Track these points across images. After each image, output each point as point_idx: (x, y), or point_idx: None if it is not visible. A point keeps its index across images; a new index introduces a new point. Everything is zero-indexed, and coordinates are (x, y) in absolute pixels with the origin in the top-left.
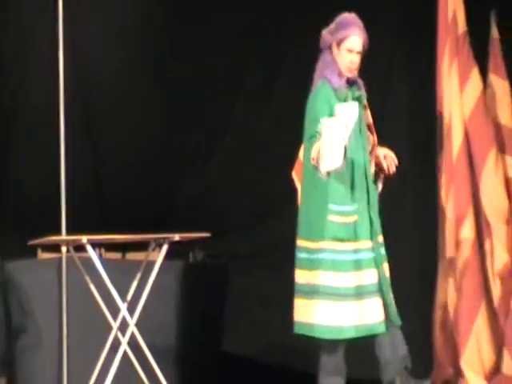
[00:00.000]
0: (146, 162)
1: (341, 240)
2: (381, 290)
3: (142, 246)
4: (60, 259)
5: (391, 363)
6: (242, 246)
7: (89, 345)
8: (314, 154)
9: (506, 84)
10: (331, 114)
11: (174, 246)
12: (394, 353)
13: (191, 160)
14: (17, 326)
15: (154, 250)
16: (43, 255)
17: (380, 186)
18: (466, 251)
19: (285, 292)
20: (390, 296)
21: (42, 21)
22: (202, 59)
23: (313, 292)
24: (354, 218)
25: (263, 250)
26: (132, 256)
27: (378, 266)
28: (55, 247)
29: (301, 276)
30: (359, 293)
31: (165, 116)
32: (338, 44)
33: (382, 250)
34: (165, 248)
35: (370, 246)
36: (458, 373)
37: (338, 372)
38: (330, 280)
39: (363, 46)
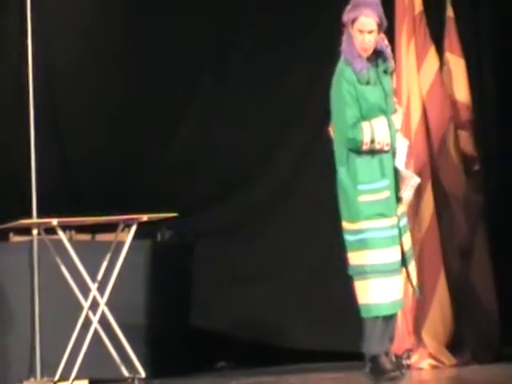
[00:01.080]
0: (111, 146)
1: (376, 217)
2: (405, 261)
3: (110, 228)
4: (31, 242)
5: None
6: (207, 224)
7: (61, 324)
8: (367, 138)
9: (462, 61)
10: (356, 97)
11: (142, 226)
12: (388, 333)
13: (154, 142)
14: None
15: (122, 230)
16: (15, 238)
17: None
18: (426, 223)
19: (251, 267)
20: (413, 265)
21: (11, 13)
22: (163, 47)
23: (365, 272)
24: (387, 193)
25: (227, 226)
26: (101, 237)
27: (406, 235)
28: (27, 230)
29: (353, 258)
30: (399, 265)
31: (127, 102)
32: (352, 24)
33: (404, 220)
34: (133, 228)
35: (396, 219)
36: (420, 341)
37: (383, 339)
38: (377, 258)
39: (377, 25)
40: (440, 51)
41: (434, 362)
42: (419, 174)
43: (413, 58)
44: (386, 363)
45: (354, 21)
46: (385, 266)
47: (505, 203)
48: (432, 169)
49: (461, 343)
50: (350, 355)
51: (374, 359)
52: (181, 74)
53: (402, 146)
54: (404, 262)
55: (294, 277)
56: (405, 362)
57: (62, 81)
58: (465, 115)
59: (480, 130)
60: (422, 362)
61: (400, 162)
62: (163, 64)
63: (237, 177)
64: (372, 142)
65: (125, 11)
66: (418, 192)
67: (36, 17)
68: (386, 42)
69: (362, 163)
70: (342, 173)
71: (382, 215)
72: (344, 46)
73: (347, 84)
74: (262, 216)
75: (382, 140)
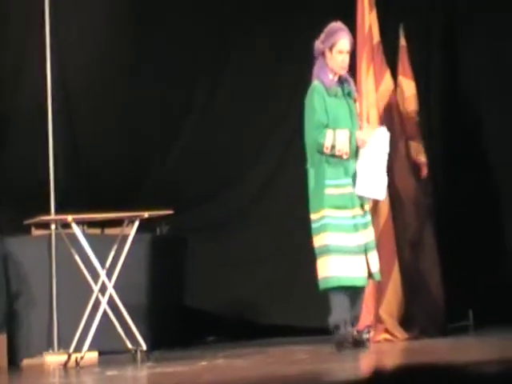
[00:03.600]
0: (119, 152)
1: (338, 208)
2: (366, 250)
3: (117, 223)
4: (50, 235)
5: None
6: (198, 220)
7: (75, 305)
8: (328, 143)
9: (412, 83)
10: (325, 107)
11: (143, 221)
12: (353, 310)
13: (156, 149)
14: (14, 291)
15: (127, 225)
16: (36, 232)
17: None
18: (382, 219)
19: (236, 256)
20: (374, 255)
21: (30, 32)
22: (165, 55)
23: (327, 250)
24: (349, 189)
25: (216, 222)
26: (109, 231)
27: (368, 227)
28: (46, 225)
29: (316, 241)
30: (363, 249)
31: (134, 111)
32: (331, 48)
33: (368, 217)
34: (136, 224)
35: (361, 213)
36: (377, 319)
37: (346, 311)
38: (337, 240)
39: (350, 47)
40: (394, 75)
41: (389, 337)
42: None
43: (371, 80)
44: (347, 332)
45: (334, 44)
46: (346, 247)
47: (449, 204)
48: (388, 174)
49: (411, 320)
50: (322, 330)
51: (336, 329)
52: (179, 89)
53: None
54: (365, 250)
55: (274, 264)
56: (365, 337)
57: (77, 92)
58: (414, 128)
59: (428, 140)
60: (379, 336)
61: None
62: (166, 77)
63: (224, 179)
64: (333, 147)
65: (132, 31)
66: None
67: (54, 37)
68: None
69: (329, 164)
70: (311, 172)
71: (344, 207)
72: (316, 70)
73: (318, 95)
74: (245, 213)
75: (342, 148)
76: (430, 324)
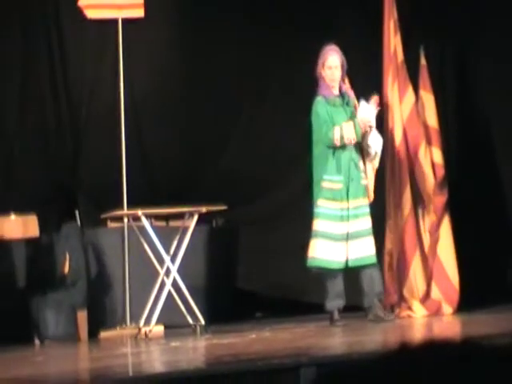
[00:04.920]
0: (182, 155)
1: (329, 199)
2: (362, 235)
3: (179, 216)
4: (123, 227)
5: (368, 295)
6: (249, 214)
7: (144, 286)
8: (337, 136)
9: (432, 97)
10: (328, 115)
11: (201, 215)
12: (371, 288)
13: (212, 154)
14: (94, 275)
15: (188, 218)
16: (111, 224)
17: (375, 162)
18: (406, 213)
19: (280, 246)
20: (369, 240)
21: (105, 52)
22: (217, 73)
23: (315, 235)
24: (340, 185)
25: (263, 216)
26: (173, 223)
27: (356, 219)
28: (119, 218)
29: (313, 225)
30: (345, 237)
31: (192, 121)
32: (322, 66)
33: (363, 209)
34: (195, 217)
35: (347, 207)
36: (401, 298)
37: (339, 296)
38: (324, 226)
39: (341, 64)
40: (416, 89)
41: (411, 313)
42: (400, 178)
43: (396, 94)
44: (338, 319)
45: (323, 63)
46: (331, 234)
47: (463, 201)
48: (410, 174)
49: (430, 299)
50: (354, 307)
51: (331, 314)
52: (232, 100)
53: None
54: (347, 239)
55: None
56: (389, 313)
57: (144, 104)
58: (434, 135)
59: (445, 146)
60: (403, 312)
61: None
62: (219, 91)
63: (271, 179)
64: (341, 138)
65: (190, 55)
66: (400, 190)
67: (125, 58)
68: (348, 85)
69: (326, 162)
70: (313, 165)
71: (333, 199)
72: (319, 88)
73: (320, 104)
74: (289, 209)
75: (349, 136)
76: (446, 302)
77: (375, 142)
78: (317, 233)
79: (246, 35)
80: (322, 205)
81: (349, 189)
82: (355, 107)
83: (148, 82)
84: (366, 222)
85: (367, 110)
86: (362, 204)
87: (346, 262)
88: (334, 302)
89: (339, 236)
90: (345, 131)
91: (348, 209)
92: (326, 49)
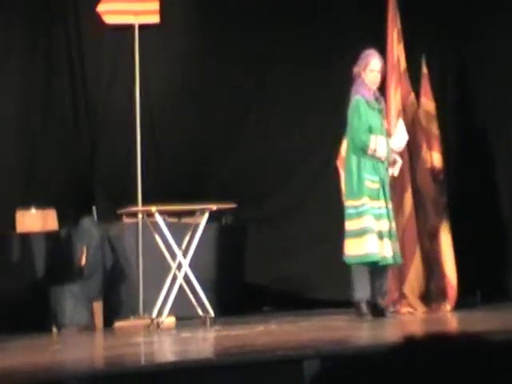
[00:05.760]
0: (194, 155)
1: (372, 197)
2: (389, 235)
3: (191, 213)
4: (137, 222)
5: (377, 292)
6: (256, 213)
7: (156, 279)
8: (372, 146)
9: (433, 103)
10: (368, 117)
11: (212, 213)
12: (380, 287)
13: (224, 154)
14: (109, 267)
15: (199, 215)
16: (126, 220)
17: (395, 170)
18: (407, 214)
19: (287, 242)
20: (395, 240)
21: (122, 55)
22: (228, 76)
23: (364, 232)
24: (377, 185)
25: (271, 214)
26: (185, 220)
27: (389, 219)
28: (134, 214)
29: (351, 225)
30: (381, 235)
31: (206, 118)
32: (364, 69)
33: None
34: (206, 215)
35: (385, 205)
36: (401, 295)
37: (367, 288)
38: (370, 222)
39: (381, 68)
40: (417, 96)
41: (411, 310)
42: (402, 180)
43: (399, 100)
44: (365, 308)
45: (366, 65)
46: (376, 231)
47: (461, 201)
48: (411, 177)
49: (429, 297)
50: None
51: (359, 303)
52: (240, 104)
53: (402, 135)
54: (389, 235)
55: (318, 249)
56: (390, 309)
57: (158, 106)
58: (434, 141)
59: (444, 149)
60: (403, 309)
61: (396, 145)
62: (229, 95)
63: (278, 178)
64: (374, 150)
65: (203, 59)
66: (401, 192)
67: (141, 62)
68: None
69: (367, 161)
70: (353, 158)
71: (375, 197)
72: (356, 87)
73: (362, 106)
74: (296, 207)
75: (381, 152)
76: (445, 300)
77: (398, 149)
78: (366, 229)
79: (256, 42)
80: (366, 202)
81: (384, 189)
82: (384, 118)
83: (162, 84)
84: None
85: (403, 138)
86: (385, 205)
87: (386, 257)
88: (364, 293)
89: (382, 233)
90: (378, 146)
91: (386, 207)
92: (369, 52)
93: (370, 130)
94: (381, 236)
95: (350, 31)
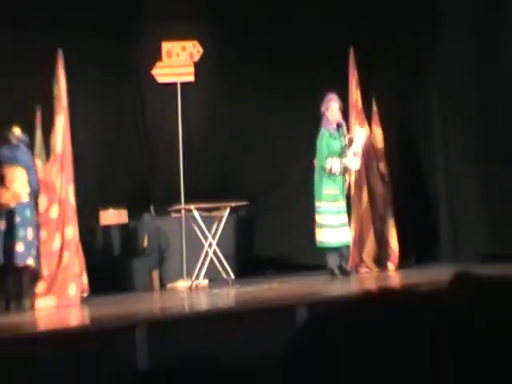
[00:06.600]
0: (217, 170)
1: (329, 201)
2: (345, 225)
3: (217, 209)
4: (181, 216)
5: (342, 260)
6: (261, 207)
7: (195, 255)
8: (328, 166)
9: (380, 129)
10: (328, 145)
11: (231, 208)
12: (345, 256)
13: (239, 165)
14: (162, 249)
15: (222, 210)
16: (173, 214)
17: (356, 164)
18: (364, 206)
19: (284, 228)
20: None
21: (169, 108)
22: (243, 115)
23: (320, 226)
24: (336, 191)
25: (273, 206)
26: (214, 214)
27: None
28: (178, 210)
29: (317, 218)
30: (342, 225)
31: (225, 143)
32: (327, 109)
33: (345, 207)
34: (227, 210)
35: (343, 204)
36: (361, 260)
37: (336, 260)
38: (326, 219)
39: (339, 106)
40: (370, 124)
41: (368, 270)
42: (360, 183)
43: (357, 127)
44: (336, 271)
45: (328, 107)
46: (332, 224)
47: (401, 196)
48: (367, 179)
49: (380, 261)
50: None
51: (331, 270)
52: (251, 123)
53: (361, 134)
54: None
55: (307, 233)
56: (351, 270)
57: (195, 137)
58: (381, 154)
59: (388, 161)
60: (362, 270)
61: (357, 146)
62: (242, 125)
63: (277, 178)
64: (330, 169)
65: (226, 104)
66: (360, 190)
67: (182, 102)
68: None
69: (328, 176)
70: (317, 176)
71: (334, 200)
72: (323, 122)
73: (325, 137)
74: (292, 200)
75: (335, 169)
76: (390, 262)
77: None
78: (322, 224)
79: (263, 85)
80: (323, 205)
81: (342, 193)
82: (349, 138)
83: (197, 122)
84: (346, 216)
85: (362, 138)
86: (344, 204)
87: (342, 241)
88: (333, 263)
89: (339, 225)
90: (333, 166)
91: (343, 206)
92: (330, 97)
93: (332, 153)
94: (342, 226)
95: (325, 82)
